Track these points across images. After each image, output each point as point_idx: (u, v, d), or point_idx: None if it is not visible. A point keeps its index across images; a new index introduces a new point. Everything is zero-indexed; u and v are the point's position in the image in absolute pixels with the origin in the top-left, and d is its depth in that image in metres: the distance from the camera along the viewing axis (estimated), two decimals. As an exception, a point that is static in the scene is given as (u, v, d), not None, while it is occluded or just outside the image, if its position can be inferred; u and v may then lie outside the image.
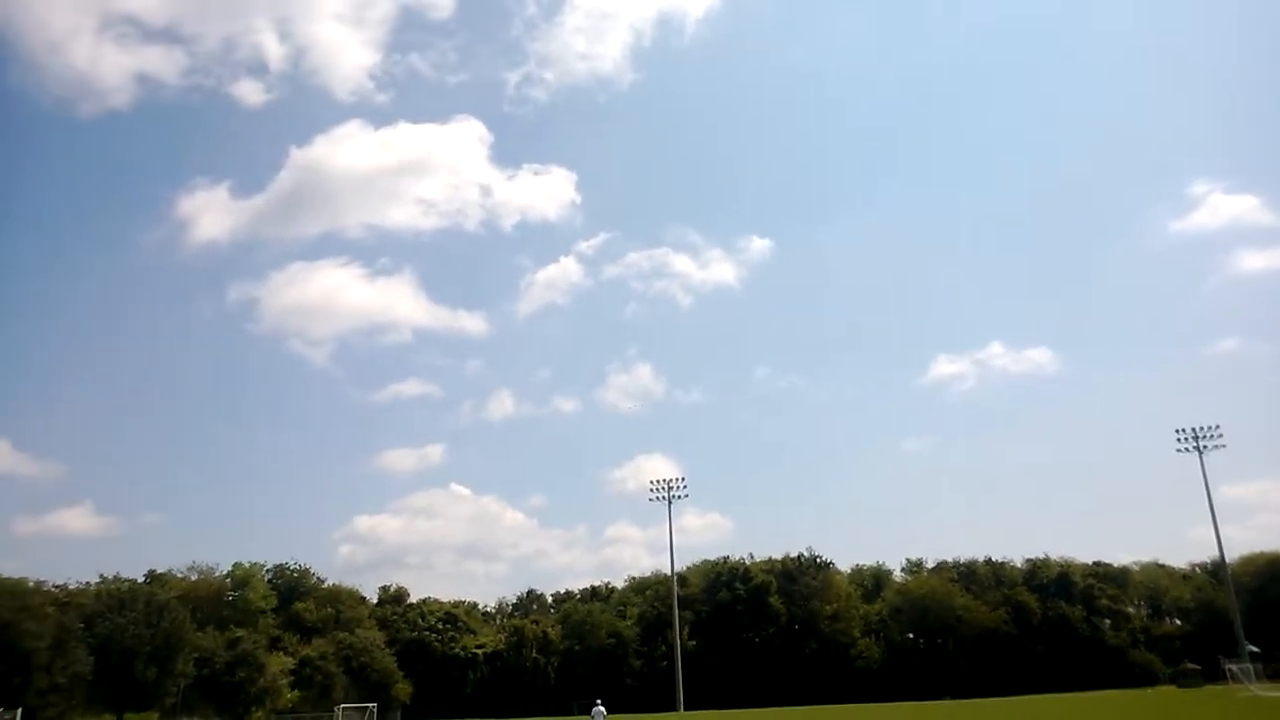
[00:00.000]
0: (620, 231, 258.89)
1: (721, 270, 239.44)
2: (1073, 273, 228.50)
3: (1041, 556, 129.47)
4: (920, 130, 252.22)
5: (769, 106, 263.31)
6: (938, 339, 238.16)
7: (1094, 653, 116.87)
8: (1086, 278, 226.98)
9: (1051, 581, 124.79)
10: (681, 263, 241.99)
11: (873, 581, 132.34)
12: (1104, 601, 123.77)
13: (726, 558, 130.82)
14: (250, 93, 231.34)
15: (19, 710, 66.88)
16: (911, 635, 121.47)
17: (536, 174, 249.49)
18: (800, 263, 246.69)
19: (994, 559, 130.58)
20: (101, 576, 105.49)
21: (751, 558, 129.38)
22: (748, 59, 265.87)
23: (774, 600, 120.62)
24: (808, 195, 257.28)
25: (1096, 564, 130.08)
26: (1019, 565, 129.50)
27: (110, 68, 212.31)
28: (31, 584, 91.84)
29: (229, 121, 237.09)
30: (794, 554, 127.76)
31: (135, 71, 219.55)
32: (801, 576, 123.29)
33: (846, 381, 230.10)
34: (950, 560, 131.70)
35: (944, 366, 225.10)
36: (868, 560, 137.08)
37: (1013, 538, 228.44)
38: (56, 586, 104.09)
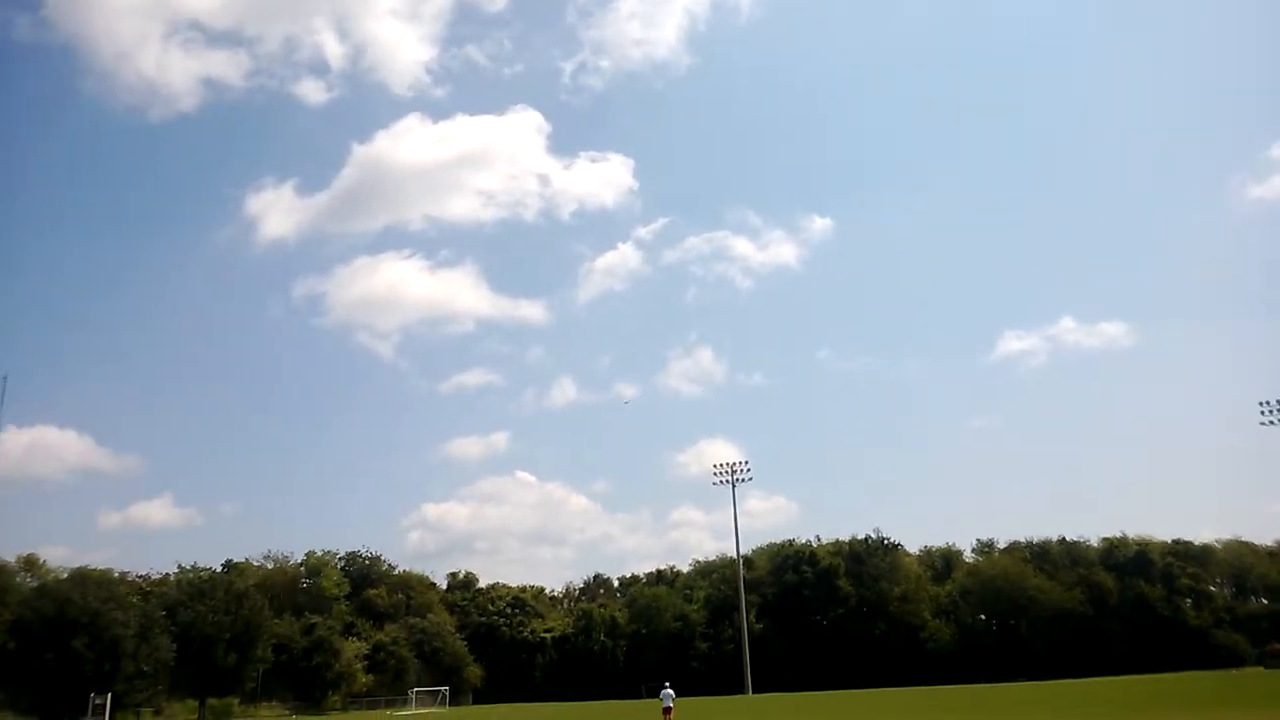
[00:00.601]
0: (679, 216, 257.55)
1: (782, 251, 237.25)
2: (1147, 242, 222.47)
3: (1118, 535, 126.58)
4: (984, 101, 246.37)
5: (827, 84, 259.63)
6: (1005, 315, 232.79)
7: (1175, 634, 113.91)
8: (1162, 247, 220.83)
9: (1129, 561, 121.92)
10: (741, 245, 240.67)
11: (942, 562, 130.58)
12: (1185, 581, 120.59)
13: (792, 540, 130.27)
14: (312, 91, 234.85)
15: (109, 695, 69.13)
16: (983, 616, 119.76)
17: (594, 161, 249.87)
18: (862, 241, 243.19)
19: (1068, 538, 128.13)
20: (180, 566, 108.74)
21: (818, 540, 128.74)
22: (804, 37, 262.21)
23: (842, 582, 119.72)
24: (869, 172, 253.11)
25: (1176, 542, 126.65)
26: (1094, 544, 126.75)
27: (178, 73, 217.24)
28: (117, 574, 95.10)
29: (293, 121, 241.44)
30: (861, 536, 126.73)
31: (201, 75, 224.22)
32: (869, 558, 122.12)
33: (911, 361, 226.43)
34: (1022, 540, 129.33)
35: (1012, 343, 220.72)
36: (936, 541, 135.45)
37: (1087, 517, 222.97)
38: (140, 576, 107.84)
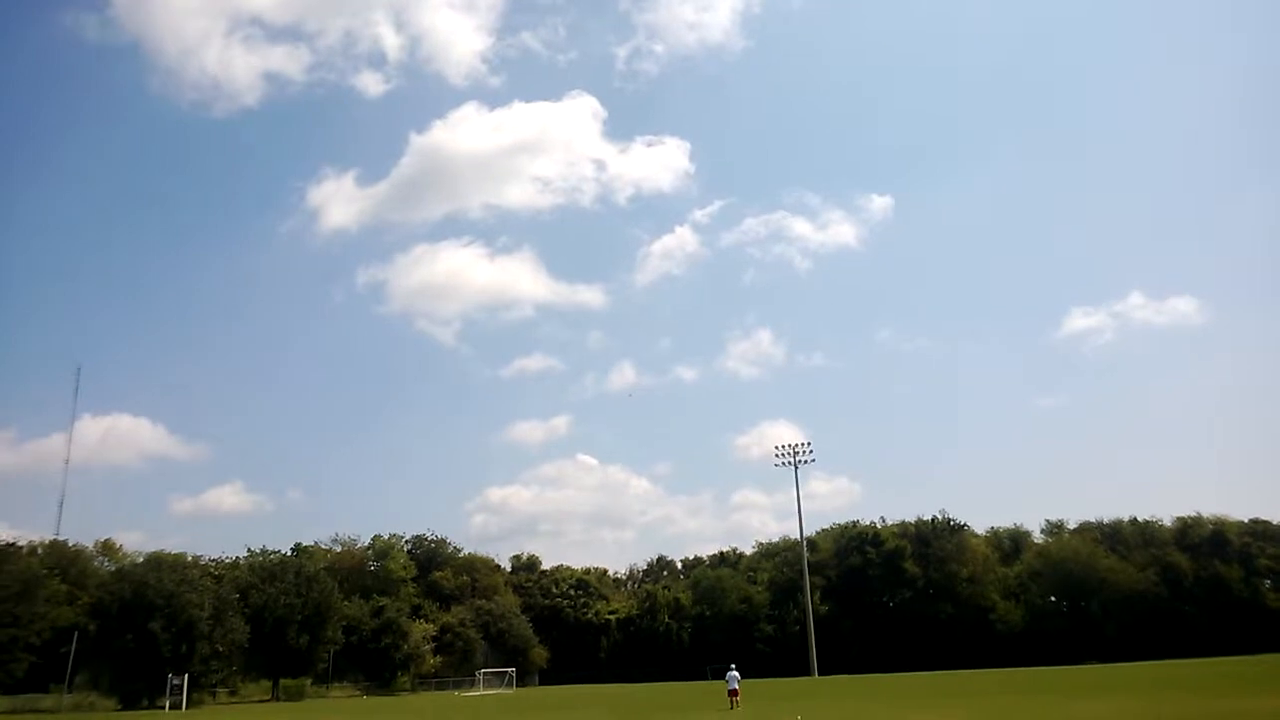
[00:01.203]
0: (736, 198, 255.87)
1: (841, 231, 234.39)
2: (1219, 215, 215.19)
3: (1193, 515, 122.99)
4: (1045, 72, 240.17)
5: (883, 61, 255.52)
6: (1071, 291, 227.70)
7: (1253, 615, 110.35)
8: (1234, 220, 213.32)
9: (1204, 541, 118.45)
10: (799, 226, 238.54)
11: (1010, 543, 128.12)
12: (1264, 561, 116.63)
13: (856, 522, 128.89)
14: (371, 84, 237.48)
15: (185, 676, 70.78)
16: (1053, 598, 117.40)
17: (650, 145, 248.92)
18: (923, 219, 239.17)
19: (1140, 518, 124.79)
20: (250, 550, 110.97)
21: (883, 521, 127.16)
22: (858, 15, 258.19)
23: (908, 564, 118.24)
24: (928, 149, 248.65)
25: (1254, 521, 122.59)
26: (1168, 524, 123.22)
27: (240, 68, 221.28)
28: (190, 558, 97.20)
29: (352, 112, 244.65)
30: (926, 517, 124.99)
31: (263, 71, 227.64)
32: (935, 539, 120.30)
33: (975, 340, 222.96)
34: (1093, 520, 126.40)
35: (1079, 320, 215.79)
36: (1004, 522, 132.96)
37: (1160, 496, 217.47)
38: (212, 560, 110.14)
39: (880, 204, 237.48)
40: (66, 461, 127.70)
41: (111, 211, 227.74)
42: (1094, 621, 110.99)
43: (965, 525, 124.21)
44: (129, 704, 74.40)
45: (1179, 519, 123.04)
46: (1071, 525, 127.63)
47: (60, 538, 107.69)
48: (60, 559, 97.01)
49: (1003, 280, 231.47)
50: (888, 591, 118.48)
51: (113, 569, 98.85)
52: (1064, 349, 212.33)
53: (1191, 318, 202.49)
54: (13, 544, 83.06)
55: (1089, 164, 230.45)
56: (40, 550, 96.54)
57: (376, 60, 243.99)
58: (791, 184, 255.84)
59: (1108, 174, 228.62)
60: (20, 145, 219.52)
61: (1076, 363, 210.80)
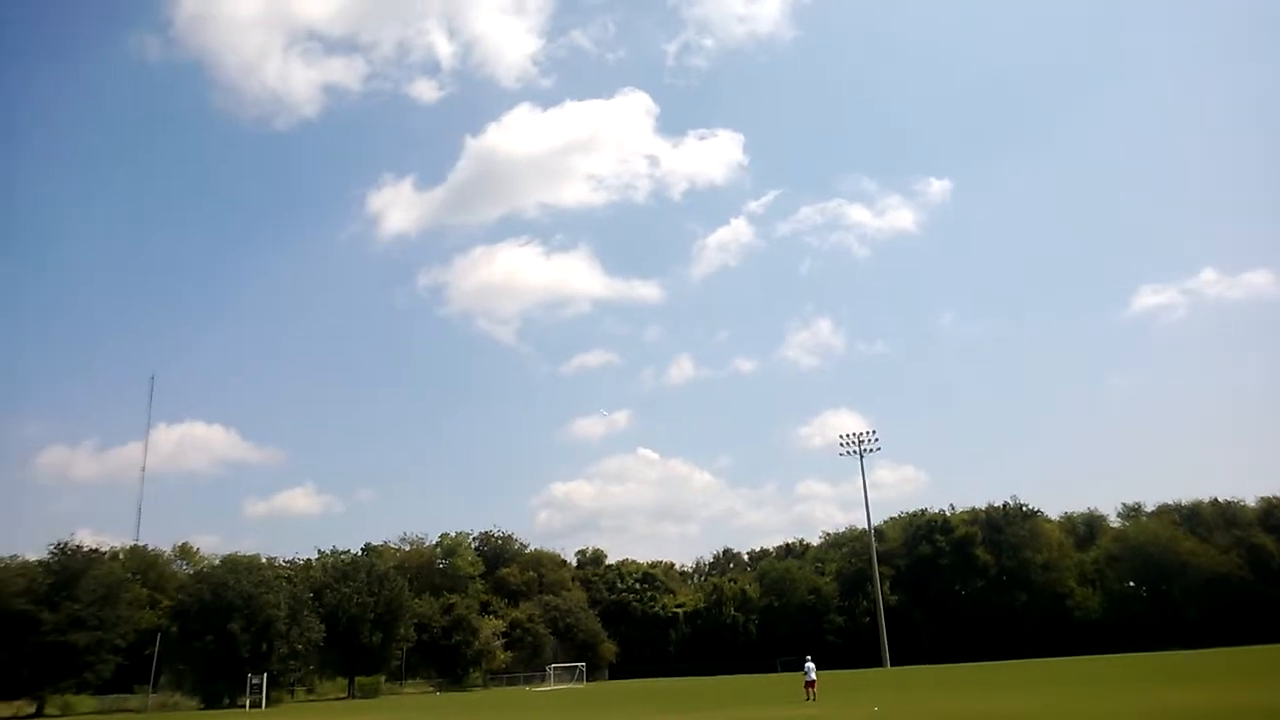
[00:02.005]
0: (790, 187, 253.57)
1: (899, 217, 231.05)
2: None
3: (1278, 495, 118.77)
4: (1106, 46, 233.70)
5: (936, 42, 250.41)
6: (1140, 269, 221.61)
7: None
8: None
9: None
10: (856, 213, 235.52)
11: (1085, 528, 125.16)
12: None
13: (924, 510, 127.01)
14: (425, 91, 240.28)
15: (265, 675, 72.16)
16: (1132, 583, 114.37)
17: (702, 139, 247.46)
18: (983, 201, 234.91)
19: (1221, 499, 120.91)
20: (321, 551, 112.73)
21: (952, 509, 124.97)
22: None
23: (979, 551, 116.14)
24: (987, 129, 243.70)
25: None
26: (1251, 505, 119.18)
27: (299, 82, 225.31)
28: (264, 560, 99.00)
29: (408, 119, 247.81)
30: (997, 503, 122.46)
31: (321, 83, 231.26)
32: (1008, 526, 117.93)
33: (1041, 321, 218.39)
34: (1171, 502, 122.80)
35: (1149, 298, 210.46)
36: (1078, 507, 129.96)
37: (1242, 476, 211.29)
38: (286, 561, 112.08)
39: (939, 187, 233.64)
40: (143, 469, 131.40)
41: (180, 227, 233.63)
42: (1175, 607, 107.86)
43: (1038, 511, 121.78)
44: (211, 703, 76.05)
45: (1263, 499, 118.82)
46: (1149, 508, 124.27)
47: (140, 543, 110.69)
48: (141, 563, 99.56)
49: (1068, 259, 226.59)
50: (959, 580, 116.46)
51: (191, 572, 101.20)
52: (1134, 327, 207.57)
53: (1267, 291, 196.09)
54: (96, 550, 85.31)
55: (1153, 137, 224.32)
56: (122, 555, 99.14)
57: (430, 68, 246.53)
58: (847, 171, 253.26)
59: (1173, 146, 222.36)
60: (93, 165, 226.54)
61: (1148, 341, 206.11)
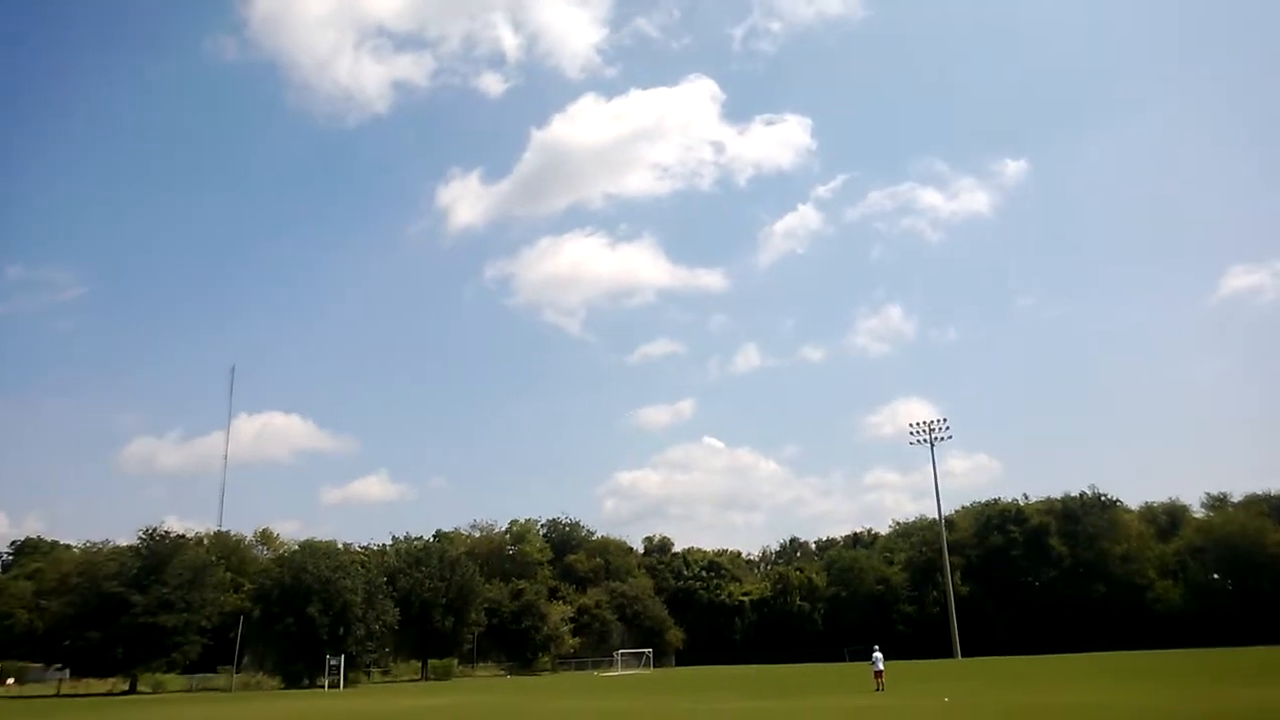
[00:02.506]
0: (860, 172, 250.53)
1: (973, 199, 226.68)
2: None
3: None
4: (1188, 17, 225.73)
5: (1009, 16, 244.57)
6: (1229, 249, 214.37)
7: None
8: None
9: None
10: (928, 196, 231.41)
11: (1167, 519, 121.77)
12: None
13: (997, 499, 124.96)
14: (491, 84, 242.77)
15: (342, 657, 74.19)
16: (1217, 576, 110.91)
17: (769, 124, 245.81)
18: (1060, 181, 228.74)
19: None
20: (395, 537, 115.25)
21: (1026, 498, 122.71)
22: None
23: (1054, 542, 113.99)
24: (1064, 106, 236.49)
25: None
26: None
27: (370, 78, 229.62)
28: (340, 545, 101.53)
29: (475, 113, 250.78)
30: (1074, 493, 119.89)
31: (391, 79, 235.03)
32: (1084, 516, 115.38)
33: (1122, 305, 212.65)
34: (1260, 493, 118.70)
35: (1238, 279, 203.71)
36: (1158, 497, 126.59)
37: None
38: (361, 547, 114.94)
39: (1014, 168, 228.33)
40: (225, 457, 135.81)
41: (259, 223, 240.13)
42: (1263, 600, 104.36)
43: (1117, 501, 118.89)
44: (291, 683, 78.40)
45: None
46: (1236, 498, 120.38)
47: (223, 528, 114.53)
48: (224, 548, 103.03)
49: (1152, 240, 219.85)
50: (1032, 571, 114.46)
51: (271, 556, 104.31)
52: (1223, 310, 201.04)
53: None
54: (183, 535, 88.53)
55: (1239, 113, 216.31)
56: (206, 540, 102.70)
57: (496, 61, 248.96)
58: (918, 153, 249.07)
59: (1260, 122, 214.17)
60: (174, 166, 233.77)
61: (1237, 325, 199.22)
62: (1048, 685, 42.29)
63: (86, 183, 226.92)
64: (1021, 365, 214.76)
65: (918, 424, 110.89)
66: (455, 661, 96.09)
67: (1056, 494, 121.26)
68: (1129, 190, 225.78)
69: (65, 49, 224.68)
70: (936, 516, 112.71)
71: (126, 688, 77.25)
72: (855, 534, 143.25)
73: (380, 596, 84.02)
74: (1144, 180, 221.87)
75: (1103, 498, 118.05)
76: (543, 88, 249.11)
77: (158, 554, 78.67)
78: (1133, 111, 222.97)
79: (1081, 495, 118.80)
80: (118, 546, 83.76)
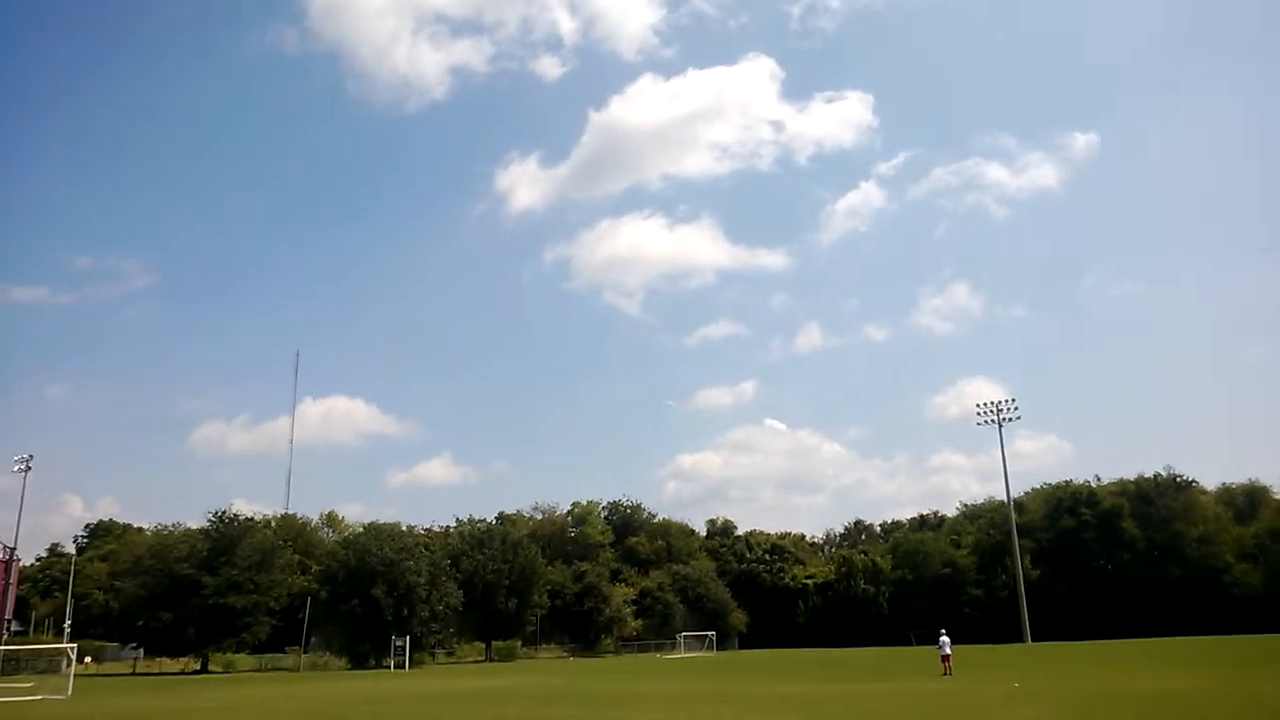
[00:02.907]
0: (923, 148, 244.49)
1: (1040, 174, 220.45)
2: None
3: None
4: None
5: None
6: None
7: None
8: None
9: None
10: (994, 172, 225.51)
11: (1245, 501, 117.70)
12: None
13: (1068, 481, 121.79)
14: (549, 68, 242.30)
15: (407, 638, 75.03)
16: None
17: (829, 101, 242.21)
18: (1132, 155, 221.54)
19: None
20: (458, 519, 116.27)
21: (1097, 480, 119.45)
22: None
23: (1127, 524, 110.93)
24: (1136, 77, 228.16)
25: None
26: None
27: (428, 65, 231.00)
28: (405, 527, 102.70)
29: (532, 97, 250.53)
30: (1148, 474, 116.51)
31: (449, 65, 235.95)
32: (1159, 498, 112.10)
33: (1196, 281, 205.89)
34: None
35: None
36: (1237, 478, 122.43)
37: None
38: (424, 529, 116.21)
39: (1084, 142, 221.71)
40: (291, 441, 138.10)
41: (322, 210, 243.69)
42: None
43: (1193, 482, 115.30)
44: (358, 664, 79.61)
45: None
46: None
47: (290, 511, 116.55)
48: (290, 530, 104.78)
49: (1227, 214, 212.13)
50: (1105, 554, 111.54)
51: (337, 539, 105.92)
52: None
53: None
54: (250, 518, 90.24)
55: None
56: (273, 523, 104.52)
57: (553, 44, 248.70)
58: (984, 128, 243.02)
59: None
60: (239, 155, 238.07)
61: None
62: (1122, 671, 40.97)
63: (152, 175, 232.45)
64: (1092, 343, 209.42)
65: (985, 404, 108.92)
66: (519, 643, 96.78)
67: (1130, 475, 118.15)
68: (1203, 162, 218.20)
69: (129, 44, 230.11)
70: (1005, 499, 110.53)
71: (198, 667, 79.17)
72: (921, 516, 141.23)
73: (444, 578, 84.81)
74: (1219, 151, 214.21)
75: (1178, 479, 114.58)
76: (600, 70, 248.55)
77: (227, 536, 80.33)
78: (1207, 81, 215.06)
79: (1156, 476, 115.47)
80: (188, 529, 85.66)
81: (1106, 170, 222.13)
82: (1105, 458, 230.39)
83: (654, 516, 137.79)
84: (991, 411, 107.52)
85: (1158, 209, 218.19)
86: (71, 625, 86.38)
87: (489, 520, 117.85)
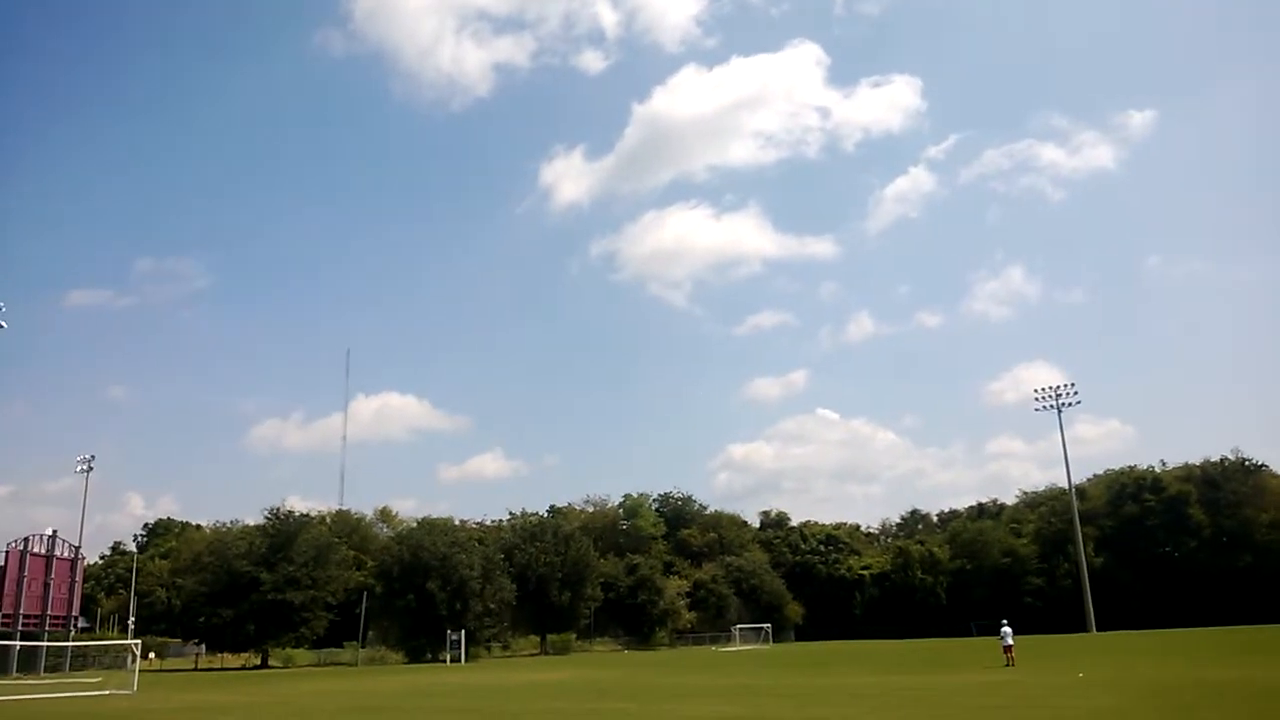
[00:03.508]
0: (974, 131, 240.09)
1: (1096, 154, 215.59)
2: None
3: None
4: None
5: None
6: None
7: None
8: None
9: None
10: (1048, 153, 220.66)
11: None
12: None
13: (1132, 466, 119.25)
14: (591, 62, 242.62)
15: (462, 632, 75.25)
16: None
17: (876, 86, 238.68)
18: (1192, 133, 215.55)
19: None
20: (510, 513, 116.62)
21: (1162, 465, 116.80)
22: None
23: (1193, 510, 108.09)
24: (1196, 53, 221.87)
25: None
26: None
27: (472, 63, 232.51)
28: (457, 522, 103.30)
29: (576, 91, 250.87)
30: (1215, 458, 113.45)
31: (492, 62, 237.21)
32: (1226, 483, 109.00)
33: (1261, 260, 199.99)
34: None
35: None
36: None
37: None
38: (476, 523, 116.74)
39: (1140, 120, 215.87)
40: (343, 438, 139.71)
41: (368, 209, 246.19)
42: None
43: (1263, 465, 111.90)
44: (414, 658, 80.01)
45: None
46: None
47: (344, 507, 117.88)
48: (345, 526, 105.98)
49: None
50: (1171, 541, 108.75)
51: (391, 534, 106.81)
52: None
53: None
54: (307, 514, 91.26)
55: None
56: (328, 519, 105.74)
57: (595, 38, 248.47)
58: (1037, 108, 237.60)
59: None
60: (289, 156, 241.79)
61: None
62: (1190, 659, 39.63)
63: (207, 178, 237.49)
64: (1153, 326, 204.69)
65: (1043, 389, 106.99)
66: (573, 636, 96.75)
67: (1195, 459, 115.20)
68: (1268, 136, 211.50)
69: (183, 51, 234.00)
70: (1066, 486, 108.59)
71: (258, 662, 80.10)
72: (980, 505, 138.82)
73: (497, 572, 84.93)
74: (1277, 132, 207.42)
75: (1246, 463, 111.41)
76: (642, 62, 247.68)
77: (283, 533, 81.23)
78: (1270, 51, 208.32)
79: (1223, 460, 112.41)
80: (246, 526, 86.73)
81: (1166, 148, 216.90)
82: (1171, 442, 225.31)
83: (705, 508, 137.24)
84: (1050, 396, 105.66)
85: (1222, 186, 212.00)
86: (135, 622, 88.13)
87: (540, 514, 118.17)
